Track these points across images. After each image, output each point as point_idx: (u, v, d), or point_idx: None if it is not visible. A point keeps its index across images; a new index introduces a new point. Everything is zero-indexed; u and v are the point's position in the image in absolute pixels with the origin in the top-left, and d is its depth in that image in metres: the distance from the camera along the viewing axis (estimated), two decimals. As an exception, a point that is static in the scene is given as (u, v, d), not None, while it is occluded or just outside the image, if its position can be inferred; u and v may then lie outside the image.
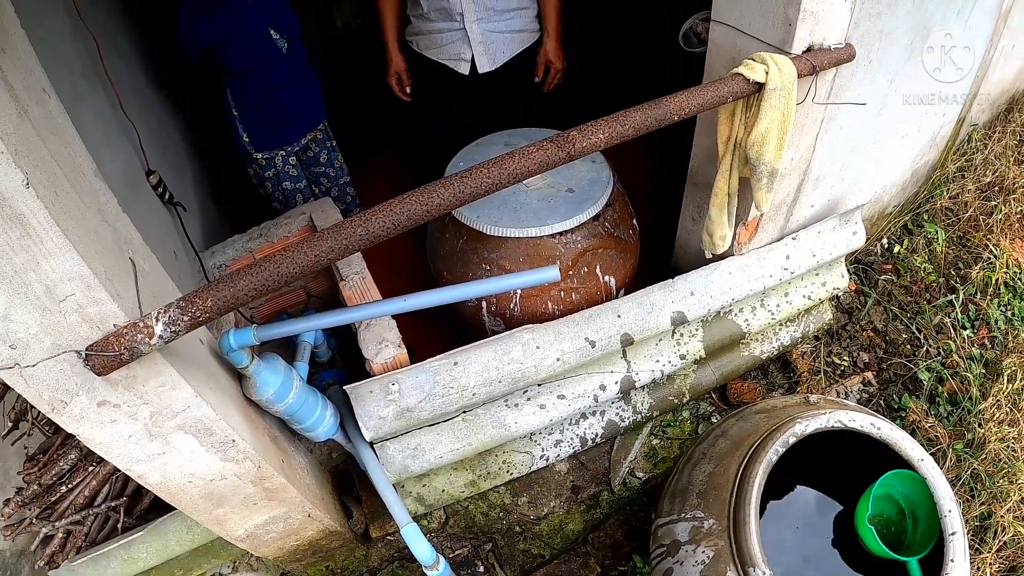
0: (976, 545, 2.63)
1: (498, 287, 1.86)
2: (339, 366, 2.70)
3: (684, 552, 2.04)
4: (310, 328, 1.91)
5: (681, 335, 2.52)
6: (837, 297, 2.99)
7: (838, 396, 2.74)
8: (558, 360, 2.25)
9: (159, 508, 2.39)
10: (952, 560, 1.89)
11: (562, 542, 2.54)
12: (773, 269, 2.49)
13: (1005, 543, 2.62)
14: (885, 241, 3.24)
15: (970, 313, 3.11)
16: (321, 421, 2.18)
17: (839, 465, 2.22)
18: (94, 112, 2.13)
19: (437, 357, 2.18)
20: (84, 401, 1.37)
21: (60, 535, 2.37)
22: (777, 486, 2.30)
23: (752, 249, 2.47)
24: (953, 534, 1.92)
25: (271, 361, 1.95)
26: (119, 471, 2.30)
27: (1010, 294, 3.21)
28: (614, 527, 2.54)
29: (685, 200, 2.53)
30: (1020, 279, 3.28)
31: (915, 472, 2.00)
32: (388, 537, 2.58)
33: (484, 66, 2.79)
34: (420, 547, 2.17)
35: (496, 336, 2.20)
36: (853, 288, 3.05)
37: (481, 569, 2.51)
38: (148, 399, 1.46)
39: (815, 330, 2.84)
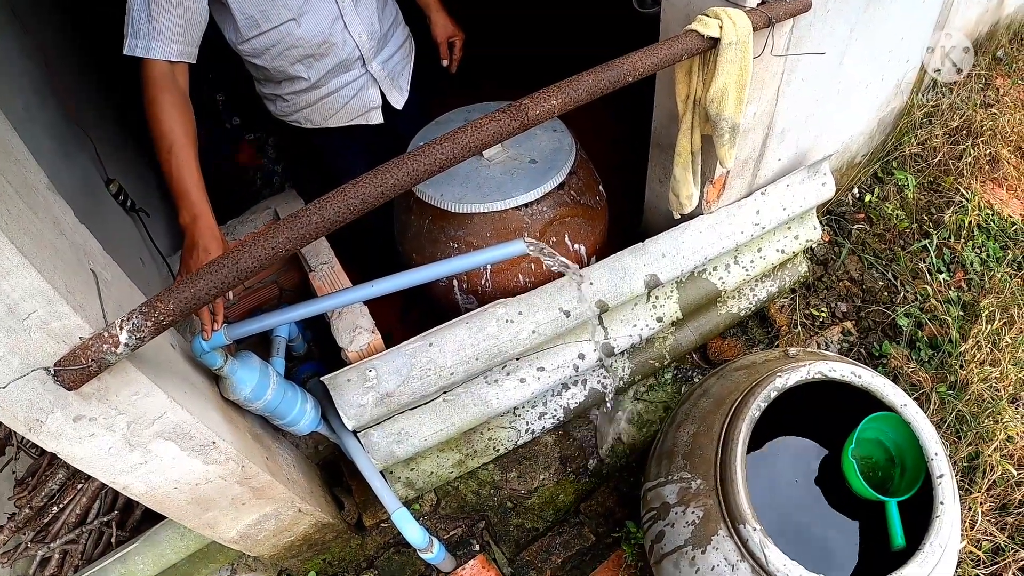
0: (966, 485, 2.61)
1: (464, 265, 1.82)
2: (316, 358, 2.66)
3: (674, 514, 2.01)
4: (281, 322, 1.88)
5: (657, 298, 2.49)
6: (811, 249, 2.95)
7: (818, 347, 2.71)
8: (534, 332, 2.21)
9: (151, 518, 2.37)
10: (942, 502, 1.87)
11: (555, 514, 2.52)
12: (744, 225, 2.45)
13: (995, 482, 2.61)
14: (856, 191, 3.21)
15: (945, 257, 3.08)
16: (302, 415, 2.15)
17: (825, 416, 2.20)
18: (47, 126, 2.07)
19: (412, 339, 2.14)
20: (60, 418, 1.36)
21: (56, 556, 2.35)
22: (764, 439, 2.28)
23: (721, 207, 2.43)
24: (941, 476, 1.90)
25: (246, 359, 1.93)
26: (107, 485, 2.28)
27: (984, 236, 3.19)
28: (605, 495, 2.51)
29: (650, 162, 2.48)
30: (993, 221, 3.26)
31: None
32: (382, 524, 2.55)
33: (398, 101, 2.44)
34: (411, 531, 2.15)
35: (469, 313, 2.16)
36: (827, 239, 3.02)
37: (477, 547, 2.48)
38: (123, 409, 1.44)
39: (791, 283, 2.81)
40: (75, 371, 1.22)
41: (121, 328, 1.21)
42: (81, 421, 1.39)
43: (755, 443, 2.23)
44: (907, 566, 1.78)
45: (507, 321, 2.19)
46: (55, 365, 1.23)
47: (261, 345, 2.40)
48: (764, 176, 2.49)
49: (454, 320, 2.15)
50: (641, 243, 2.33)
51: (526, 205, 2.19)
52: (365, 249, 2.80)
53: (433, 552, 2.22)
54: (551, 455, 2.57)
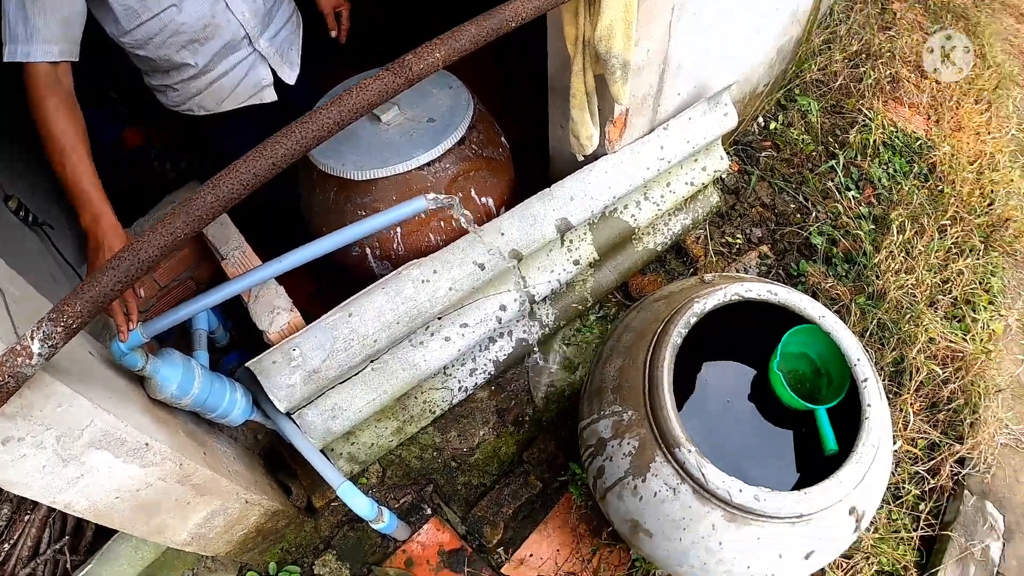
0: (895, 389, 2.69)
1: (368, 228, 1.82)
2: (241, 347, 2.62)
3: (611, 448, 2.03)
4: (195, 310, 1.85)
5: (571, 241, 2.50)
6: (721, 180, 3.00)
7: (738, 270, 2.75)
8: (451, 289, 2.20)
9: (103, 536, 2.32)
10: (869, 404, 1.92)
11: (499, 467, 2.54)
12: (649, 161, 2.47)
13: (922, 383, 2.70)
14: (761, 120, 3.26)
15: (853, 175, 3.16)
16: (233, 405, 2.12)
17: (753, 337, 2.24)
18: None
19: (331, 312, 2.12)
20: None
21: None
22: (696, 366, 2.32)
23: (625, 145, 2.45)
24: (865, 380, 1.95)
25: (168, 357, 1.88)
26: (54, 511, 2.25)
27: (889, 152, 3.27)
28: (546, 441, 2.54)
29: (550, 108, 2.49)
30: (897, 138, 3.35)
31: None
32: (332, 504, 2.54)
33: (290, 76, 2.38)
34: (359, 503, 2.13)
35: (384, 278, 2.15)
36: (736, 169, 3.07)
37: (428, 511, 2.49)
38: (50, 423, 1.41)
39: (705, 214, 2.85)
40: None
41: (32, 338, 1.18)
42: (10, 443, 1.36)
43: (687, 371, 2.27)
44: (843, 468, 1.84)
45: (423, 281, 2.18)
46: None
47: (183, 341, 2.35)
48: (665, 111, 2.51)
49: (370, 287, 2.14)
50: (548, 188, 2.33)
51: (428, 164, 2.18)
52: (266, 227, 2.76)
53: (384, 521, 2.22)
54: (488, 410, 2.58)
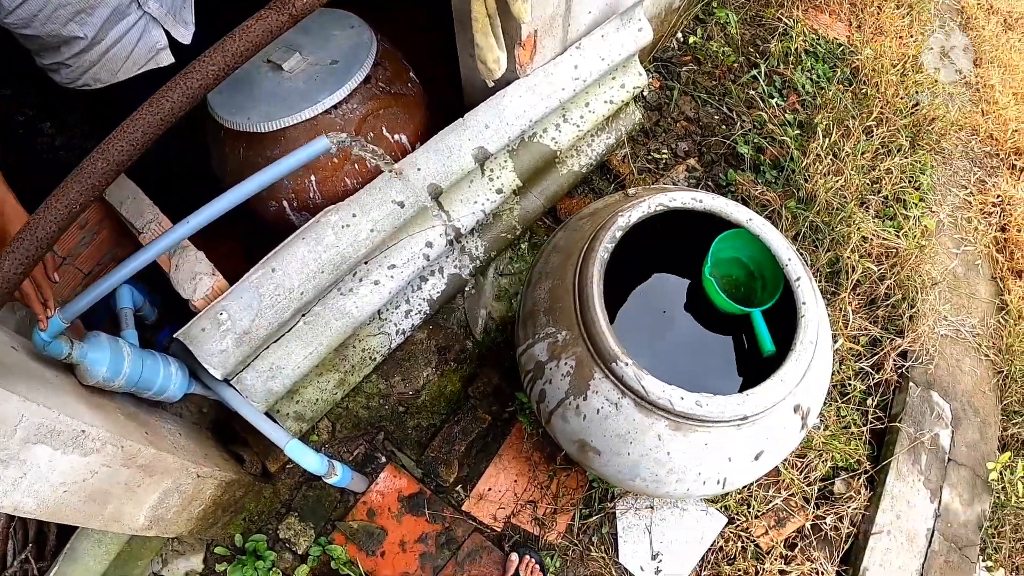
0: (832, 289, 2.71)
1: (269, 177, 1.73)
2: (172, 322, 2.54)
3: (549, 370, 2.01)
4: (110, 286, 1.77)
5: (492, 170, 2.46)
6: (643, 97, 2.96)
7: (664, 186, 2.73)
8: (372, 231, 2.15)
9: (66, 537, 2.26)
10: (804, 303, 1.91)
11: (447, 405, 2.53)
12: (564, 82, 2.42)
13: (859, 281, 2.71)
14: (680, 35, 3.21)
15: (776, 84, 3.14)
16: (169, 380, 2.06)
17: (689, 248, 2.22)
18: None
19: (252, 270, 2.07)
20: None
21: None
22: (633, 282, 2.30)
23: (537, 67, 2.39)
24: (798, 279, 1.94)
25: (94, 340, 1.83)
26: (14, 520, 2.20)
27: (812, 59, 3.25)
28: (489, 374, 2.53)
29: (458, 39, 2.41)
30: (819, 44, 3.33)
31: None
32: (287, 467, 2.51)
33: (185, 36, 2.22)
34: (308, 459, 2.09)
35: (303, 227, 2.09)
36: (657, 86, 3.03)
37: (383, 460, 2.48)
38: None
39: (628, 132, 2.82)
40: None
41: None
42: None
43: (620, 287, 2.25)
44: (783, 367, 1.84)
45: (343, 226, 2.13)
46: None
47: (112, 324, 2.28)
48: (576, 30, 2.45)
49: (289, 238, 2.08)
50: (461, 118, 2.28)
51: (335, 107, 2.10)
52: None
53: (337, 475, 2.18)
54: (428, 350, 2.56)
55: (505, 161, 2.47)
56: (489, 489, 2.41)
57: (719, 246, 2.15)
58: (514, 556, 2.32)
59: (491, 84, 2.26)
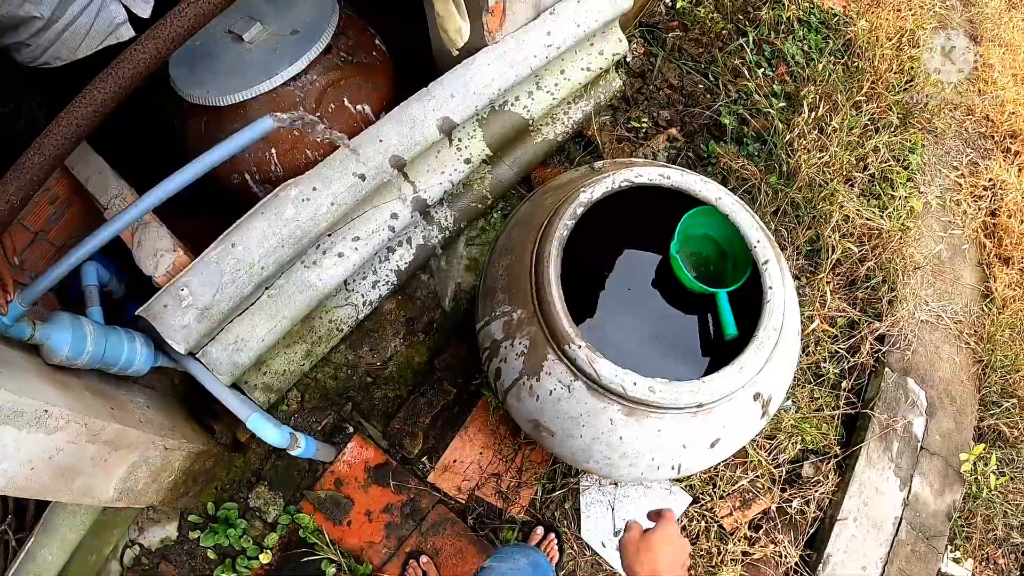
0: (811, 268, 2.63)
1: (215, 158, 1.69)
2: (141, 296, 2.53)
3: (504, 349, 1.98)
4: (69, 267, 1.77)
5: (460, 140, 2.40)
6: (625, 63, 2.85)
7: (647, 158, 2.65)
8: (332, 204, 2.11)
9: (44, 509, 2.30)
10: (771, 287, 1.86)
11: (414, 377, 2.51)
12: (535, 49, 2.34)
13: (838, 261, 2.63)
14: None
15: (765, 53, 3.02)
16: (134, 355, 2.06)
17: (656, 224, 2.15)
18: None
19: (212, 245, 2.05)
20: None
21: None
22: (593, 257, 2.24)
23: (507, 35, 2.31)
24: (766, 262, 1.88)
25: (56, 320, 1.84)
26: None
27: (804, 29, 3.12)
28: (456, 346, 2.51)
29: (425, 5, 2.32)
30: (812, 14, 3.19)
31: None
32: (257, 436, 2.48)
33: (145, 10, 2.13)
34: (268, 433, 2.09)
35: (261, 202, 2.05)
36: (641, 52, 2.92)
37: (351, 430, 2.48)
38: None
39: (607, 99, 2.73)
40: None
41: None
42: None
43: (583, 264, 2.20)
44: (743, 354, 1.79)
45: (303, 200, 2.09)
46: None
47: (80, 301, 2.29)
48: None
49: (248, 213, 2.05)
50: (426, 88, 2.22)
51: (294, 79, 2.05)
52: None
53: (301, 447, 2.18)
54: (397, 321, 2.53)
55: (474, 131, 2.41)
56: (454, 461, 2.40)
57: (689, 222, 2.09)
58: (540, 529, 2.33)
59: (455, 53, 2.19)
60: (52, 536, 2.27)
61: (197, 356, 2.19)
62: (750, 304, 1.93)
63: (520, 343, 1.92)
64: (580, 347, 1.77)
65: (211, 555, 2.42)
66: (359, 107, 2.19)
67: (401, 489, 2.40)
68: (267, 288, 2.20)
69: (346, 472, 2.43)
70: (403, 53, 2.46)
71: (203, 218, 2.56)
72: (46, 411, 1.66)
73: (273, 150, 2.13)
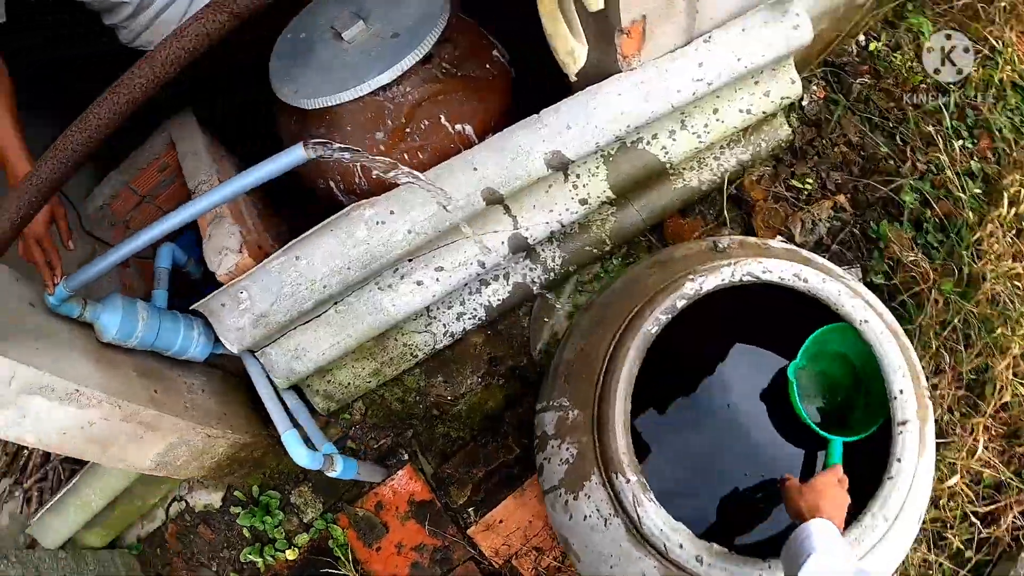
0: (968, 406, 2.02)
1: (249, 181, 1.48)
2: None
3: (551, 447, 1.64)
4: (112, 263, 1.65)
5: (577, 176, 2.01)
6: (800, 107, 2.26)
7: (803, 224, 2.14)
8: (409, 232, 1.83)
9: None
10: (899, 459, 1.38)
11: (481, 422, 2.23)
12: (682, 82, 1.87)
13: (1005, 405, 2.01)
14: (861, 38, 2.41)
15: (968, 120, 2.30)
16: (189, 344, 1.98)
17: (785, 320, 1.68)
18: None
19: (275, 255, 1.85)
20: None
21: (35, 493, 2.46)
22: (697, 343, 1.79)
23: (648, 61, 1.85)
24: (904, 423, 1.40)
25: (108, 302, 1.79)
26: None
27: (1019, 96, 2.33)
28: (534, 402, 2.11)
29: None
30: (1032, 81, 2.38)
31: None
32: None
33: None
34: (300, 455, 1.87)
35: (332, 218, 1.80)
36: (822, 96, 2.31)
37: (406, 457, 2.26)
38: None
39: (770, 149, 2.20)
40: None
41: None
42: None
43: (678, 353, 1.76)
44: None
45: (377, 223, 1.81)
46: None
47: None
48: (708, 19, 1.87)
49: (318, 227, 1.81)
50: (537, 114, 1.83)
51: (384, 88, 1.75)
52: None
53: (336, 470, 1.96)
54: (480, 357, 2.24)
55: (596, 168, 2.00)
56: (500, 522, 2.11)
57: (823, 337, 1.60)
58: None
59: (573, 79, 1.77)
60: (97, 479, 2.30)
61: (256, 354, 2.03)
62: (874, 449, 1.46)
63: (567, 449, 1.56)
64: (629, 481, 1.40)
65: (246, 533, 2.37)
66: (459, 127, 1.85)
67: (438, 534, 2.17)
68: (336, 303, 1.98)
69: (390, 498, 2.23)
70: (542, 68, 2.04)
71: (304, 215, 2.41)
72: (77, 390, 1.63)
73: (359, 163, 1.84)
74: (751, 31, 1.89)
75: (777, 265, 1.52)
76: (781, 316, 1.66)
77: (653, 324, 1.50)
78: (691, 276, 1.53)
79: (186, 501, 2.49)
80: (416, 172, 1.68)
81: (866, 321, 1.47)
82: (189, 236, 2.23)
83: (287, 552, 2.30)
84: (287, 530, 2.33)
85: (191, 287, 2.35)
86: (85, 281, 1.66)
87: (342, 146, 1.36)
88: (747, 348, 1.82)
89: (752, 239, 1.75)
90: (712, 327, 1.75)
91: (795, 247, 1.74)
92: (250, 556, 2.33)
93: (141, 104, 1.10)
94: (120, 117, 1.09)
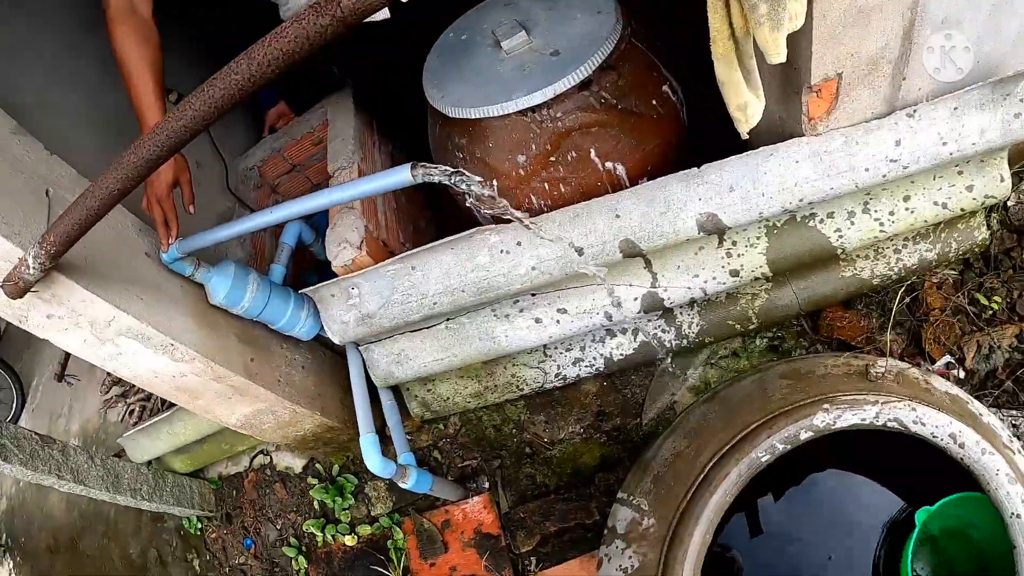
0: None
1: (349, 195, 1.49)
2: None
3: (615, 547, 1.46)
4: (224, 237, 1.70)
5: (734, 244, 1.76)
6: (1004, 208, 1.89)
7: (978, 349, 1.80)
8: (534, 269, 1.68)
9: None
10: None
11: (571, 475, 2.06)
12: (872, 159, 1.58)
13: None
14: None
15: None
16: (296, 322, 1.97)
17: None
18: (97, 61, 2.04)
19: (392, 260, 1.76)
20: (36, 315, 1.53)
21: (136, 408, 2.61)
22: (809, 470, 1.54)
23: (837, 128, 1.57)
24: None
25: (222, 268, 1.83)
26: None
27: None
28: (629, 471, 1.94)
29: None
30: None
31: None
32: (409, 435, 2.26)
33: None
34: (373, 461, 1.83)
35: (455, 237, 1.69)
36: (1032, 199, 1.92)
37: (486, 485, 2.14)
38: (80, 312, 1.54)
39: (960, 252, 1.85)
40: (11, 285, 1.35)
41: (28, 255, 1.31)
42: (53, 319, 1.54)
43: (783, 477, 1.52)
44: None
45: (502, 252, 1.68)
46: (2, 281, 1.37)
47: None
48: (915, 89, 1.56)
49: (440, 243, 1.70)
50: (697, 168, 1.60)
51: (531, 110, 1.59)
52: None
53: (407, 482, 1.89)
54: (588, 407, 2.06)
55: (756, 239, 1.76)
56: (561, 581, 1.93)
57: (953, 511, 1.34)
58: None
59: (744, 136, 1.54)
60: (192, 416, 2.39)
61: (360, 348, 1.99)
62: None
63: (630, 558, 1.38)
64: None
65: (315, 506, 2.40)
66: (609, 164, 1.66)
67: (493, 572, 2.03)
68: (448, 319, 1.88)
69: (459, 520, 2.13)
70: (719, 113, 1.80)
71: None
72: (172, 344, 1.68)
73: (494, 181, 1.71)
74: (964, 113, 1.56)
75: (933, 418, 1.24)
76: (900, 458, 1.40)
77: (765, 452, 1.27)
78: (826, 406, 1.28)
79: (271, 456, 2.55)
80: (529, 219, 1.56)
81: (1018, 516, 1.19)
82: (325, 216, 2.23)
83: (347, 537, 2.29)
84: (354, 516, 2.32)
85: (317, 264, 2.36)
86: (199, 247, 1.69)
87: (448, 170, 1.24)
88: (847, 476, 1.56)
89: (912, 373, 1.45)
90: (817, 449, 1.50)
91: (962, 395, 1.43)
92: (312, 529, 2.34)
93: (237, 100, 1.02)
94: (216, 111, 1.01)
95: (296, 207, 1.52)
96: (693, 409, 1.54)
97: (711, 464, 1.31)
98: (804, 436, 1.25)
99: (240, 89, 0.98)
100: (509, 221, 1.66)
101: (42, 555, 3.20)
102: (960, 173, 1.70)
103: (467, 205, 1.85)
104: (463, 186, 1.28)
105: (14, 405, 3.89)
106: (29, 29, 1.92)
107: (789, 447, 1.26)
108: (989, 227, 1.84)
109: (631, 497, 1.46)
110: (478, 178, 1.28)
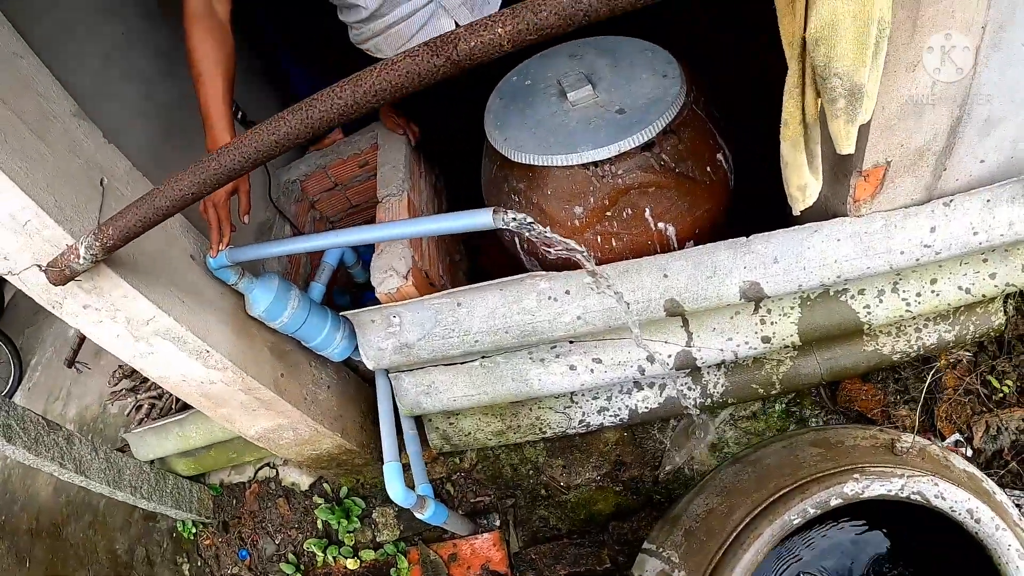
0: None
1: (417, 230, 1.48)
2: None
3: None
4: (274, 253, 1.71)
5: (768, 312, 1.80)
6: (1020, 295, 1.98)
7: (987, 429, 1.84)
8: (579, 319, 1.69)
9: None
10: None
11: (584, 521, 2.04)
12: (907, 243, 1.64)
13: None
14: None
15: None
16: (331, 342, 1.94)
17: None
18: (152, 51, 2.02)
19: (439, 294, 1.74)
20: (72, 304, 1.49)
21: (145, 406, 2.52)
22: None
23: (878, 211, 1.63)
24: None
25: (265, 280, 1.78)
26: None
27: None
28: (644, 521, 1.96)
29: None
30: None
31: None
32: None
33: None
34: (394, 489, 1.79)
35: (506, 279, 1.69)
36: (1050, 289, 2.00)
37: (497, 523, 2.11)
38: (119, 306, 1.51)
39: (977, 335, 1.91)
40: (54, 271, 1.33)
41: (81, 245, 1.27)
42: (89, 309, 1.50)
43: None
44: None
45: (550, 298, 1.69)
46: (48, 265, 1.35)
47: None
48: (953, 180, 1.61)
49: (488, 283, 1.70)
50: (745, 238, 1.64)
51: (595, 164, 1.61)
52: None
53: (425, 513, 1.85)
54: (607, 456, 2.05)
55: (789, 309, 1.79)
56: (569, 628, 1.93)
57: None
58: None
59: (796, 213, 1.59)
60: (203, 421, 2.35)
61: (390, 375, 1.97)
62: None
63: (652, 611, 1.38)
64: None
65: (319, 526, 2.34)
66: (661, 225, 1.69)
67: (499, 611, 2.00)
68: (484, 357, 1.87)
69: (467, 554, 2.09)
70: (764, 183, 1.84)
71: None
72: (207, 351, 1.66)
73: (549, 228, 1.73)
74: (995, 205, 1.62)
75: (953, 494, 1.27)
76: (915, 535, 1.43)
77: (797, 515, 1.28)
78: (856, 476, 1.30)
79: (277, 470, 2.49)
80: (605, 273, 1.59)
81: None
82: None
83: (349, 561, 2.23)
84: (358, 540, 2.27)
85: (353, 285, 2.36)
86: (246, 259, 1.66)
87: (527, 218, 1.26)
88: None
89: (933, 449, 1.49)
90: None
91: (977, 473, 1.48)
92: (313, 548, 2.29)
93: (335, 125, 1.03)
94: (311, 131, 1.00)
95: (373, 233, 1.50)
96: (724, 468, 1.55)
97: (744, 523, 1.32)
98: (834, 503, 1.27)
99: (339, 114, 0.97)
100: (560, 268, 1.71)
101: (22, 535, 3.09)
102: (985, 261, 1.76)
103: (514, 249, 1.90)
104: (537, 235, 1.30)
105: (11, 380, 3.78)
106: (89, 9, 1.84)
107: (820, 511, 1.28)
108: (1005, 312, 1.89)
109: (660, 549, 1.46)
110: (547, 229, 1.30)
